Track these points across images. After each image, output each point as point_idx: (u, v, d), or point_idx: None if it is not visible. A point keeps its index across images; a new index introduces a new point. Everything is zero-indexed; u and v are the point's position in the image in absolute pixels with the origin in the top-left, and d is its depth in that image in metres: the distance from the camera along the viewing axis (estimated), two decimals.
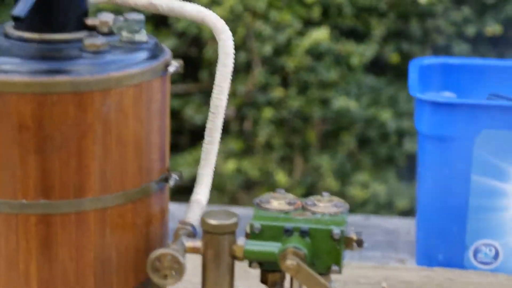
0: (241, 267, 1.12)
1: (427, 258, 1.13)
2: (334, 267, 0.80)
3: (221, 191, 2.13)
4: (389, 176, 2.16)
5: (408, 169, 2.05)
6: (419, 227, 1.14)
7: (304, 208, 0.82)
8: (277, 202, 0.83)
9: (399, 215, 1.99)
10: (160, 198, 0.84)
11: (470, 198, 1.09)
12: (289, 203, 0.83)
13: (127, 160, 0.79)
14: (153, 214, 0.83)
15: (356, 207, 2.13)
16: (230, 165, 2.09)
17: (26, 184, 0.76)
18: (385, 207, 2.15)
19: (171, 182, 0.85)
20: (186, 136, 2.27)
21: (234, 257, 0.80)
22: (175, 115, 2.28)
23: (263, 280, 0.83)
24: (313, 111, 2.21)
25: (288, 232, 0.80)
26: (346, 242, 0.81)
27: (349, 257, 1.21)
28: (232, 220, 0.80)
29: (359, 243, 0.81)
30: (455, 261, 1.11)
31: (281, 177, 2.12)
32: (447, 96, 1.19)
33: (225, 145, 2.16)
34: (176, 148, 2.25)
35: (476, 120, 1.07)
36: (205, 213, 0.81)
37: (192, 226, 0.84)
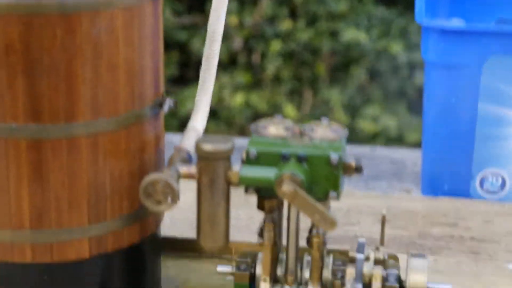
0: (241, 195, 1.11)
1: (432, 188, 1.11)
2: (332, 194, 0.78)
3: (229, 125, 2.11)
4: (399, 109, 2.13)
5: (419, 103, 2.02)
6: (425, 157, 1.12)
7: (302, 134, 0.80)
8: (274, 127, 0.81)
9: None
10: (154, 124, 0.82)
11: (477, 127, 1.06)
12: (287, 129, 0.81)
13: (118, 85, 0.77)
14: (148, 140, 0.81)
15: (366, 140, 2.11)
16: (239, 99, 2.06)
17: (15, 107, 0.74)
18: (396, 141, 2.12)
19: (166, 108, 0.83)
20: (193, 69, 2.24)
21: (229, 183, 0.78)
22: (182, 48, 2.25)
23: (260, 207, 0.81)
24: (322, 43, 2.17)
25: (284, 158, 0.78)
26: (344, 168, 0.78)
27: (353, 187, 1.19)
28: (227, 146, 0.78)
29: (358, 169, 0.79)
30: (461, 191, 1.10)
31: (289, 110, 2.10)
32: (455, 22, 1.15)
33: (233, 78, 2.13)
34: (183, 81, 2.23)
35: (484, 46, 1.04)
36: (199, 139, 0.78)
37: (187, 152, 0.82)
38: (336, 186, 0.78)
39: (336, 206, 1.06)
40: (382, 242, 0.83)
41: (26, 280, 0.78)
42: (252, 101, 2.10)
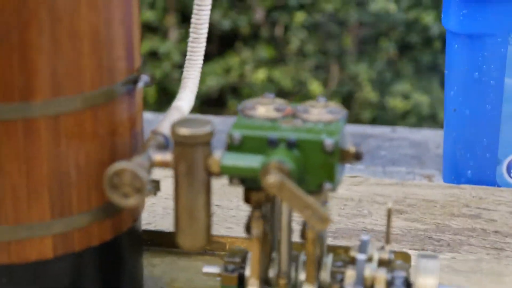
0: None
1: (455, 175, 1.00)
2: (328, 185, 0.67)
3: None
4: (432, 85, 2.01)
5: None
6: (446, 140, 1.01)
7: (294, 116, 0.70)
8: (264, 108, 0.71)
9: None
10: (128, 104, 0.72)
11: (503, 105, 0.95)
12: (278, 110, 0.70)
13: (82, 57, 0.67)
14: (120, 122, 0.71)
15: (397, 119, 2.00)
16: (261, 75, 1.95)
17: None
18: (428, 119, 2.01)
19: (140, 84, 0.73)
20: (214, 44, 2.13)
21: (209, 173, 0.68)
22: None
23: (247, 200, 0.71)
24: (349, 14, 2.06)
25: (272, 143, 0.67)
26: (342, 155, 0.68)
27: (368, 173, 1.09)
28: (206, 129, 0.68)
29: (358, 156, 0.68)
30: (486, 178, 0.99)
31: (315, 86, 1.99)
32: None
33: (254, 53, 2.03)
34: (204, 56, 2.13)
35: (510, 13, 0.93)
36: (175, 122, 0.68)
37: (165, 136, 0.72)
38: (331, 176, 0.67)
39: (347, 195, 0.96)
40: (388, 240, 0.72)
41: None
42: (275, 77, 1.99)
